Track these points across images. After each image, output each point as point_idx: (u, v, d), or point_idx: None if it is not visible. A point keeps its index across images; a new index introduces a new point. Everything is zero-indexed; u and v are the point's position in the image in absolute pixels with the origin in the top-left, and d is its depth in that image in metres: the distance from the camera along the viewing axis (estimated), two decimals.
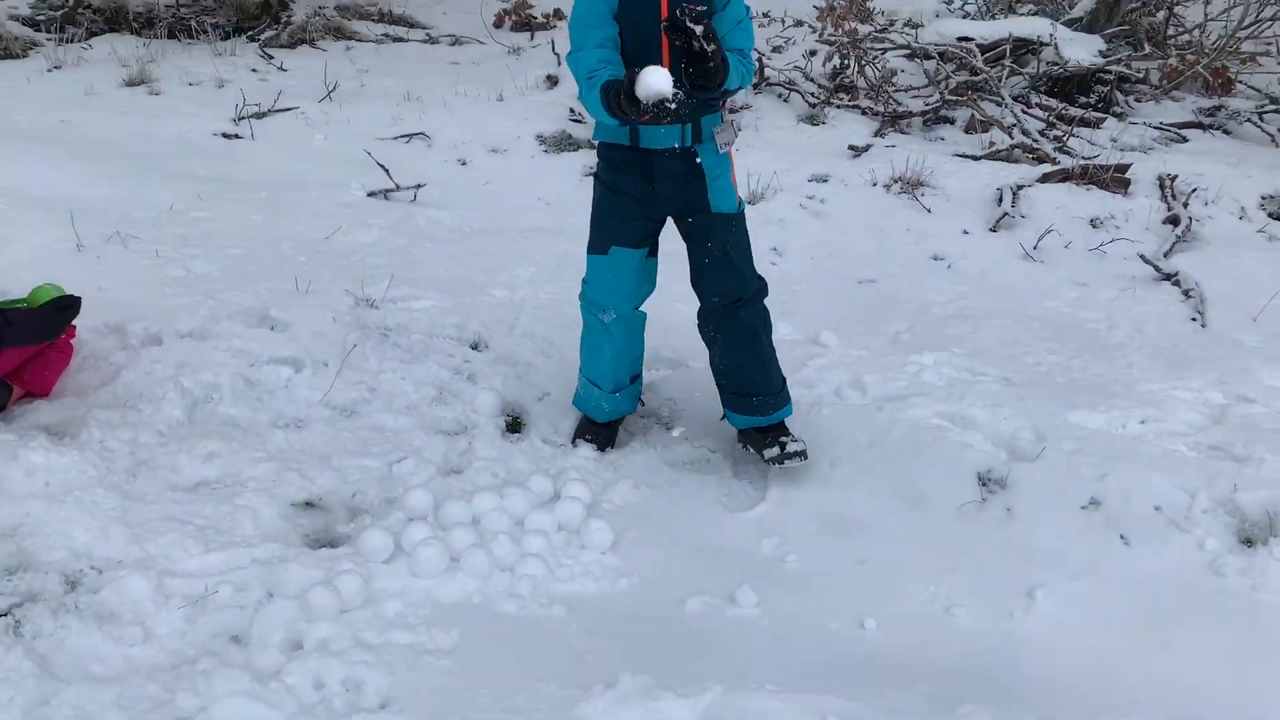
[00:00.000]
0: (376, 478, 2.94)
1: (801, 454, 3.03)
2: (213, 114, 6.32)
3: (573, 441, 3.24)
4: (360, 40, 9.02)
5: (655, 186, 2.92)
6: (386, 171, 5.41)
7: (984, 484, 3.03)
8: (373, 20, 9.88)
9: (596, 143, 3.00)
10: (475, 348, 3.69)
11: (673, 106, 2.40)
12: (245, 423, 3.09)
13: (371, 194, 5.31)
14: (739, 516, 2.98)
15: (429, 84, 7.21)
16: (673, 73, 2.46)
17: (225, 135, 6.06)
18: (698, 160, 2.89)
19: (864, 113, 6.94)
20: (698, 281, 3.07)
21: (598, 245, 3.03)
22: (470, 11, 10.22)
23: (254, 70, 7.55)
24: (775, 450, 3.03)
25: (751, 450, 3.12)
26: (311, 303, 3.74)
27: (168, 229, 4.44)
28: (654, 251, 3.08)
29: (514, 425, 3.34)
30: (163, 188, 4.92)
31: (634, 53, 2.73)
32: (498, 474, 3.00)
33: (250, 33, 8.89)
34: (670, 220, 3.06)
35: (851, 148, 6.31)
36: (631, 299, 3.09)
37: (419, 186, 5.40)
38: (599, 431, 3.25)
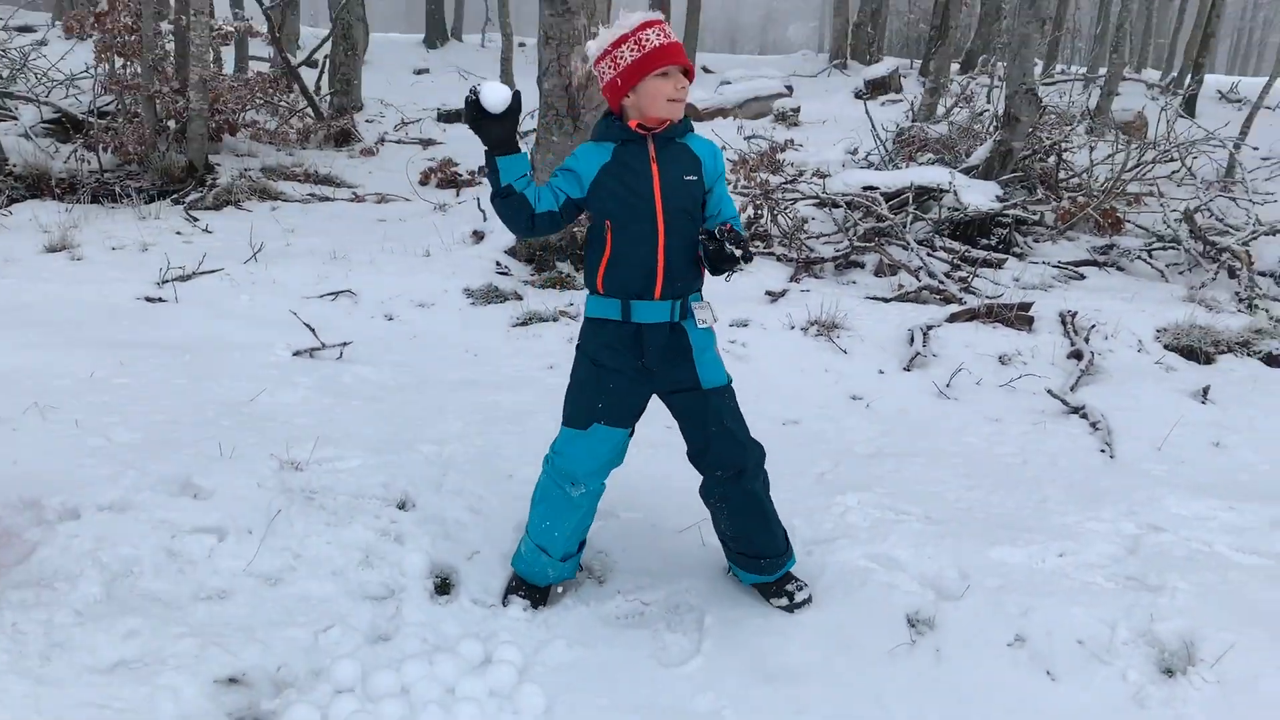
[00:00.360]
0: (302, 648, 2.87)
1: (808, 600, 3.17)
2: (136, 278, 6.33)
3: (503, 600, 3.21)
4: (286, 200, 9.19)
5: (644, 362, 2.96)
6: (312, 330, 5.44)
7: (913, 625, 3.07)
8: (298, 180, 10.08)
9: (585, 317, 3.04)
10: (402, 507, 3.67)
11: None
12: (167, 596, 3.01)
13: (297, 353, 5.33)
14: (674, 672, 2.95)
15: (355, 242, 7.33)
16: (687, 259, 2.89)
17: (149, 299, 6.06)
18: (685, 335, 2.97)
19: (779, 259, 7.23)
20: (699, 457, 3.09)
21: (578, 420, 3.02)
22: (396, 170, 10.49)
23: (178, 233, 7.62)
24: (784, 601, 3.16)
25: (757, 591, 3.23)
26: (235, 468, 3.70)
27: (88, 397, 4.39)
28: (634, 431, 3.10)
29: (443, 586, 3.30)
30: (84, 355, 4.88)
31: (625, 219, 2.85)
32: (427, 639, 2.95)
33: (175, 196, 9.00)
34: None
35: (769, 293, 6.54)
36: (604, 474, 3.11)
37: (345, 344, 5.44)
38: (532, 590, 3.23)
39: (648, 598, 3.32)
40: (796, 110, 16.67)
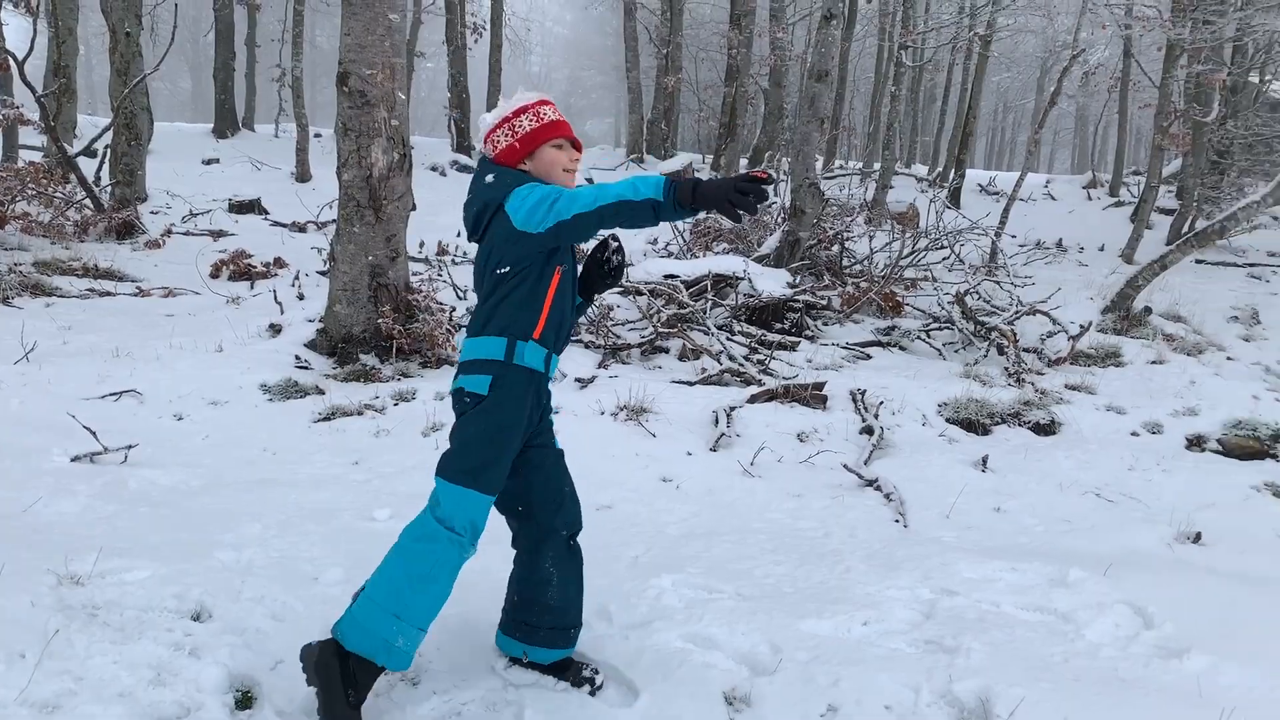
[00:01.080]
0: None
1: (603, 683, 3.19)
2: None
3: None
4: (62, 296, 8.62)
5: (531, 415, 2.97)
6: (93, 434, 5.09)
7: (730, 703, 3.11)
8: (77, 275, 9.50)
9: (512, 366, 2.85)
10: (198, 618, 3.44)
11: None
12: None
13: (76, 459, 4.96)
14: None
15: (140, 338, 6.95)
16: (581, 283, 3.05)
17: None
18: (549, 392, 3.07)
19: (587, 346, 7.33)
20: (553, 515, 3.07)
21: (492, 484, 2.89)
22: (185, 263, 10.06)
23: None
24: (588, 688, 3.16)
25: (557, 679, 3.19)
26: (4, 587, 3.38)
27: None
28: None
29: (244, 700, 3.10)
30: None
31: (569, 267, 2.93)
32: None
33: None
34: None
35: (578, 380, 6.61)
36: None
37: (130, 447, 5.11)
38: (363, 689, 2.98)
39: (464, 697, 3.22)
40: None
